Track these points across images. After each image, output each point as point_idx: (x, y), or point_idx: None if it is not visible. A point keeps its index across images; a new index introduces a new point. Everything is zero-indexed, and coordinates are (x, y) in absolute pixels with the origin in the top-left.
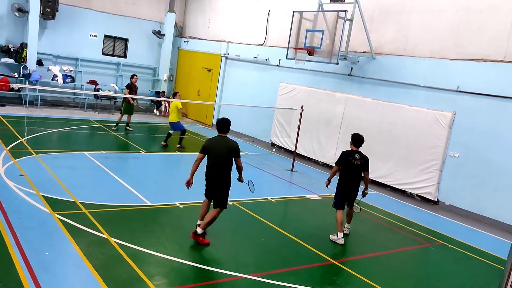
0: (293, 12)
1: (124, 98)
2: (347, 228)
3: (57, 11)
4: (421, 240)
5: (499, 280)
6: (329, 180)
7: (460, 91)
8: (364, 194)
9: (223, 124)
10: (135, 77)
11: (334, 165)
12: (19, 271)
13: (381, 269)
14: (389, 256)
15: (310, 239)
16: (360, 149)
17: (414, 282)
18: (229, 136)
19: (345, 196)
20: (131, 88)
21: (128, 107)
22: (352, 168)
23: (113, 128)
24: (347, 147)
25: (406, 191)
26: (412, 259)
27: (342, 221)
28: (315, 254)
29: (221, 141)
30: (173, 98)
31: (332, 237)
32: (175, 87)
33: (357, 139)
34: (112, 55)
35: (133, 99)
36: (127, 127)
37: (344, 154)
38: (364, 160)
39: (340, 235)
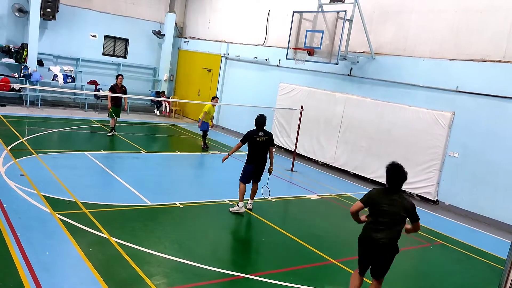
0: (293, 12)
1: (110, 101)
2: (250, 203)
3: (58, 11)
4: (421, 240)
5: (499, 280)
6: (228, 155)
7: (459, 91)
8: (270, 171)
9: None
10: (120, 77)
11: (239, 141)
12: (19, 271)
13: None
14: None
15: (310, 239)
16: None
17: (414, 282)
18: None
19: (252, 172)
20: (114, 90)
21: (112, 110)
22: (257, 145)
23: (108, 134)
24: (348, 147)
25: (405, 191)
26: (411, 259)
27: (244, 193)
28: (315, 254)
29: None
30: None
31: (232, 209)
32: (175, 87)
33: (256, 122)
34: (113, 55)
35: (112, 102)
36: (111, 132)
37: (248, 133)
38: (268, 137)
39: (241, 204)
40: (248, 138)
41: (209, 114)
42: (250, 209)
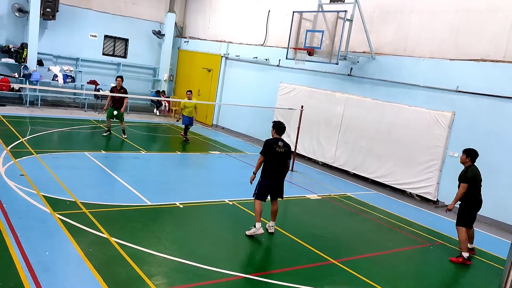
0: (293, 12)
1: (108, 102)
2: (271, 227)
3: (58, 11)
4: (421, 240)
5: (499, 280)
6: (255, 174)
7: (459, 91)
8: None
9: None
10: (118, 79)
11: (260, 155)
12: (19, 271)
13: (381, 269)
14: (389, 256)
15: (310, 239)
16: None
17: (414, 282)
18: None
19: (269, 187)
20: (113, 92)
21: (107, 111)
22: (277, 157)
23: (103, 134)
24: (348, 147)
25: (406, 191)
26: (412, 259)
27: (261, 211)
28: (315, 254)
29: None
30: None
31: (248, 232)
32: (175, 87)
33: (279, 127)
34: (112, 55)
35: (110, 103)
36: (106, 132)
37: (268, 143)
38: (287, 148)
39: (259, 225)
40: (268, 148)
41: (187, 108)
42: (271, 233)
